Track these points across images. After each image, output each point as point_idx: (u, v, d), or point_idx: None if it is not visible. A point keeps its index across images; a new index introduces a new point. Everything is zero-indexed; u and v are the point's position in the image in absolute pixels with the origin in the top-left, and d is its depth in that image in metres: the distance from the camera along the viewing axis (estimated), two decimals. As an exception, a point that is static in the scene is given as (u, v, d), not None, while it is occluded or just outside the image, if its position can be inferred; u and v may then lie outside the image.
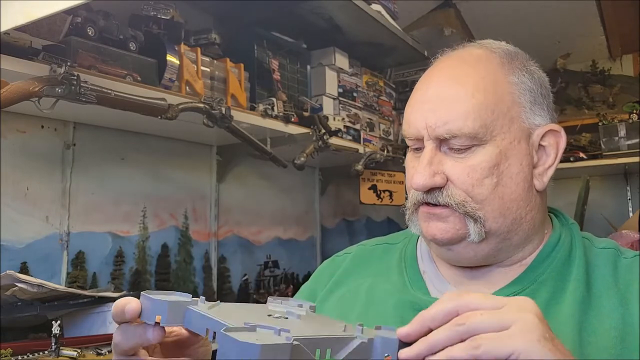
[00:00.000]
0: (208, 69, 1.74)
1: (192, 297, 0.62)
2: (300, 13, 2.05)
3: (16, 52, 1.23)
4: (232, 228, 2.21)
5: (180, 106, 1.51)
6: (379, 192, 2.62)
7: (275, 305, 0.67)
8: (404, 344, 0.58)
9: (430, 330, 0.57)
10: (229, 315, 0.57)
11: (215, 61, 1.78)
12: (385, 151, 2.51)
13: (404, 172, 2.82)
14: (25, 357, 1.29)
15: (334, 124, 2.21)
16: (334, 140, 2.14)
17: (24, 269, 1.51)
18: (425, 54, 2.59)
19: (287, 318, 0.61)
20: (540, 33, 2.88)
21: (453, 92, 0.77)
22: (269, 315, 0.61)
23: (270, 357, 0.48)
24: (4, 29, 1.12)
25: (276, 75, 2.03)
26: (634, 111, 2.85)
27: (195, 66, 1.68)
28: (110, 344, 1.40)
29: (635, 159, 2.70)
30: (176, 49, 1.61)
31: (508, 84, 0.79)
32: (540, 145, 0.80)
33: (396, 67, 2.85)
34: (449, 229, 0.76)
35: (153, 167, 1.91)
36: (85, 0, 1.10)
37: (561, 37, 3.04)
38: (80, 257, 1.66)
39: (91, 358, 1.33)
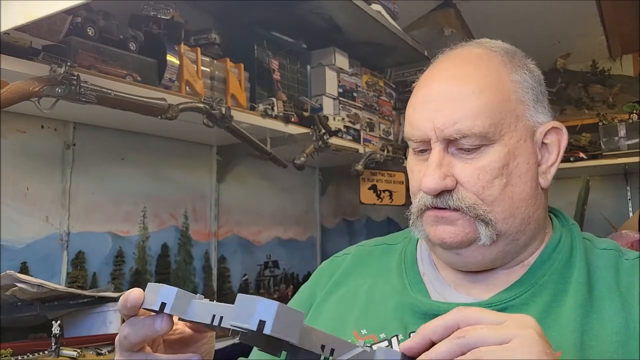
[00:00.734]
0: (208, 69, 1.74)
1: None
2: (300, 13, 2.05)
3: (16, 52, 1.23)
4: (232, 228, 2.21)
5: (180, 106, 1.51)
6: (379, 192, 2.61)
7: None
8: (407, 358, 0.59)
9: (433, 344, 0.57)
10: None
11: (215, 61, 1.78)
12: (385, 151, 2.51)
13: (404, 172, 2.81)
14: (25, 357, 1.29)
15: (334, 124, 2.21)
16: (334, 140, 2.14)
17: (24, 269, 1.51)
18: (425, 54, 2.58)
19: None
20: (540, 33, 2.88)
21: (458, 91, 0.76)
22: None
23: (285, 320, 0.49)
24: (4, 29, 1.12)
25: (276, 75, 2.03)
26: (634, 111, 2.85)
27: (195, 66, 1.68)
28: (110, 344, 1.41)
29: (635, 159, 2.70)
30: (176, 49, 1.61)
31: (511, 82, 0.79)
32: (543, 143, 0.80)
33: (396, 67, 2.85)
34: (459, 232, 0.75)
35: (153, 167, 1.91)
36: (85, 0, 1.10)
37: (561, 37, 3.03)
38: (80, 257, 1.66)
39: (91, 358, 1.33)
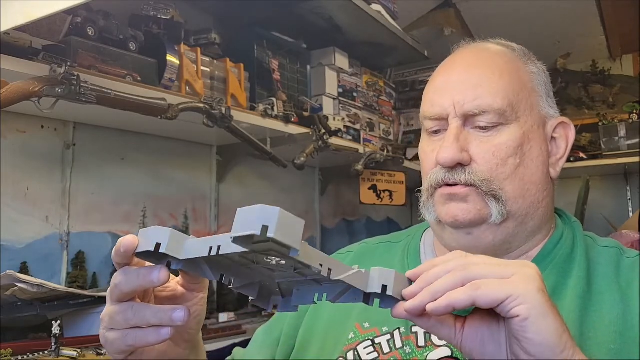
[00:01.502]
0: (208, 69, 1.74)
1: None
2: (300, 13, 2.05)
3: (16, 52, 1.23)
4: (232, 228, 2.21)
5: (180, 106, 1.51)
6: (379, 192, 2.61)
7: None
8: (402, 276, 0.60)
9: None
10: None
11: (215, 61, 1.78)
12: (385, 151, 2.51)
13: (404, 172, 2.81)
14: (25, 357, 1.29)
15: (334, 124, 2.21)
16: (334, 140, 2.14)
17: (24, 269, 1.51)
18: (425, 54, 2.59)
19: None
20: (540, 33, 2.88)
21: (480, 73, 0.79)
22: None
23: (286, 225, 0.49)
24: (4, 29, 1.12)
25: (276, 75, 2.03)
26: (634, 111, 2.85)
27: (195, 66, 1.68)
28: (110, 344, 1.40)
29: (635, 159, 2.70)
30: (176, 49, 1.61)
31: (528, 72, 0.83)
32: (552, 136, 0.83)
33: (396, 67, 2.86)
34: (471, 209, 0.77)
35: (153, 167, 1.91)
36: (85, 0, 1.10)
37: (561, 37, 3.04)
38: (80, 257, 1.66)
39: (91, 358, 1.33)
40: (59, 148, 1.65)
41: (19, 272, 1.34)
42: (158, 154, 1.93)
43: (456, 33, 2.67)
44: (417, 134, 2.88)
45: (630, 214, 2.99)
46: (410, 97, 2.91)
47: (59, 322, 1.30)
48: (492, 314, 0.57)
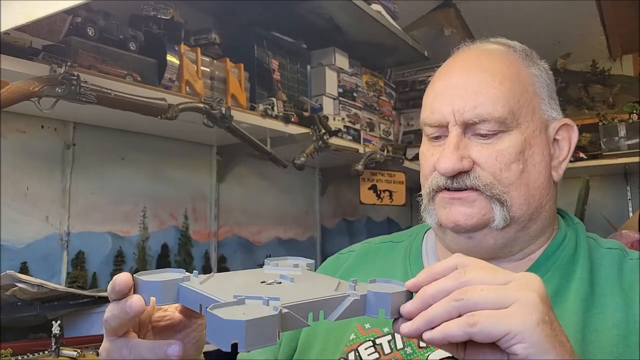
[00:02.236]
0: (208, 69, 1.74)
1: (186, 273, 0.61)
2: (300, 13, 2.05)
3: (16, 52, 1.23)
4: (232, 228, 2.21)
5: (180, 106, 1.51)
6: (379, 192, 2.61)
7: (270, 268, 0.67)
8: (402, 293, 0.59)
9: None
10: (221, 287, 0.57)
11: (215, 61, 1.78)
12: (385, 151, 2.51)
13: (404, 172, 2.81)
14: (25, 357, 1.29)
15: (334, 124, 2.21)
16: (334, 140, 2.14)
17: (24, 269, 1.51)
18: (425, 54, 2.59)
19: (280, 283, 0.61)
20: (540, 33, 2.88)
21: (479, 78, 0.78)
22: (262, 282, 0.61)
23: (258, 331, 0.48)
24: (4, 29, 1.12)
25: (276, 75, 2.03)
26: (634, 111, 2.85)
27: (195, 66, 1.68)
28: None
29: (635, 159, 2.70)
30: (176, 49, 1.61)
31: (530, 75, 0.81)
32: (555, 138, 0.82)
33: (396, 67, 2.85)
34: (475, 214, 0.76)
35: (153, 167, 1.91)
36: (85, 0, 1.10)
37: (561, 37, 3.03)
38: (80, 257, 1.66)
39: (91, 358, 1.33)
40: (59, 148, 1.65)
41: (19, 272, 1.34)
42: (158, 154, 1.93)
43: (456, 33, 2.67)
44: (417, 134, 2.88)
45: (630, 214, 2.99)
46: (410, 97, 2.91)
47: (59, 322, 1.30)
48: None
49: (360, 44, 2.38)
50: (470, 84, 0.78)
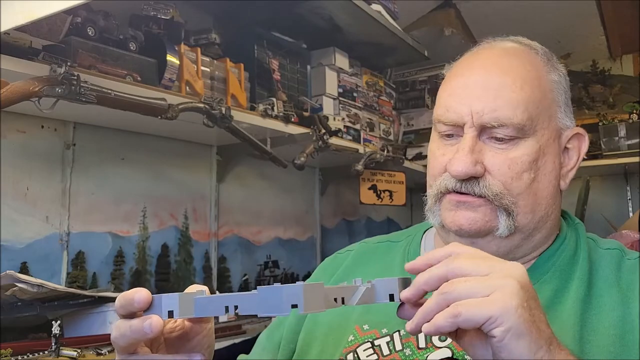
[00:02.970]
0: (208, 69, 1.74)
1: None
2: (300, 13, 2.05)
3: (16, 52, 1.23)
4: (232, 228, 2.21)
5: (180, 106, 1.51)
6: (379, 192, 2.61)
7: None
8: (405, 284, 0.63)
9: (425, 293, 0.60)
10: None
11: (215, 61, 1.78)
12: (385, 151, 2.51)
13: (404, 172, 2.79)
14: (25, 357, 1.29)
15: (334, 124, 2.21)
16: (334, 140, 2.13)
17: (24, 269, 1.50)
18: (425, 54, 2.58)
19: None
20: (540, 33, 2.84)
21: (500, 81, 0.76)
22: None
23: (311, 296, 0.55)
24: (4, 29, 1.12)
25: (276, 75, 2.03)
26: (634, 111, 2.85)
27: (195, 66, 1.68)
28: (110, 344, 1.40)
29: (635, 159, 2.70)
30: (176, 49, 1.61)
31: (550, 81, 0.80)
32: (565, 147, 0.81)
33: (396, 67, 2.85)
34: (478, 220, 0.75)
35: (153, 167, 1.91)
36: (85, 0, 1.10)
37: (561, 37, 3.03)
38: (80, 257, 1.66)
39: (91, 358, 1.33)
40: (59, 148, 1.65)
41: (19, 272, 1.34)
42: (158, 154, 1.93)
43: (456, 33, 2.67)
44: (417, 134, 2.88)
45: (630, 214, 2.99)
46: (410, 97, 2.91)
47: (59, 322, 1.30)
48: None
49: (360, 44, 2.38)
50: (490, 85, 0.76)
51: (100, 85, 1.31)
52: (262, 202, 2.37)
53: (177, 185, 2.00)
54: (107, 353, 1.35)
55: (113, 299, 1.47)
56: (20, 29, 1.23)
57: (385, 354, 0.79)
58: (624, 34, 2.90)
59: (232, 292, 2.17)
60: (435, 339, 0.77)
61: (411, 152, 2.84)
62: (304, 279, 2.28)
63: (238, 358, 0.97)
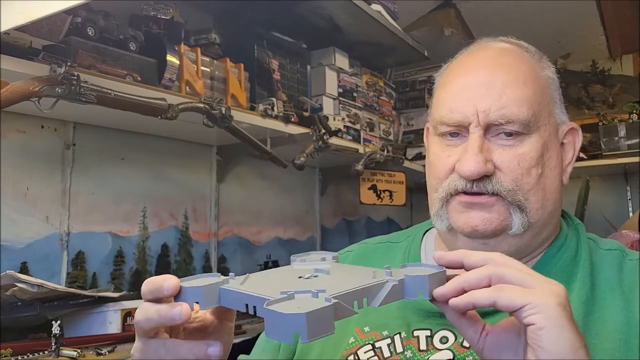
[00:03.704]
0: (208, 69, 1.74)
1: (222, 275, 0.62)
2: (300, 13, 2.05)
3: (16, 52, 1.23)
4: (232, 228, 2.21)
5: (180, 106, 1.51)
6: (379, 192, 2.61)
7: (299, 264, 0.68)
8: (432, 279, 0.60)
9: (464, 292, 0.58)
10: (262, 286, 0.59)
11: (215, 61, 1.78)
12: (385, 151, 2.51)
13: (404, 172, 2.79)
14: (25, 357, 1.29)
15: (334, 124, 2.21)
16: (334, 140, 2.13)
17: (24, 269, 1.50)
18: (425, 54, 2.58)
19: (317, 276, 0.62)
20: (540, 33, 2.88)
21: (504, 78, 0.76)
22: (300, 277, 0.61)
23: (316, 322, 0.50)
24: (4, 29, 1.12)
25: (276, 75, 2.03)
26: (634, 111, 2.85)
27: (195, 66, 1.68)
28: (110, 344, 1.41)
29: (635, 159, 2.70)
30: (176, 49, 1.61)
31: (545, 78, 0.81)
32: (562, 142, 0.82)
33: (396, 67, 2.85)
34: (494, 219, 0.75)
35: (153, 167, 1.91)
36: (85, 0, 1.10)
37: (561, 37, 3.03)
38: (80, 257, 1.66)
39: (91, 358, 1.33)
40: (59, 148, 1.65)
41: (19, 272, 1.34)
42: (158, 154, 1.93)
43: (456, 33, 2.67)
44: (417, 134, 2.88)
45: (630, 214, 2.99)
46: (410, 97, 2.91)
47: (59, 322, 1.30)
48: (513, 325, 0.57)
49: (360, 44, 2.38)
50: (494, 84, 0.76)
51: (100, 85, 1.31)
52: (262, 202, 2.37)
53: (177, 185, 2.00)
54: (107, 353, 1.35)
55: (113, 299, 1.47)
56: (20, 29, 1.23)
57: (386, 356, 0.78)
58: (624, 34, 2.90)
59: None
60: (436, 341, 0.77)
61: (411, 152, 2.84)
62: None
63: (238, 358, 0.97)
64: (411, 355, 0.77)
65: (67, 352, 1.30)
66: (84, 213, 1.69)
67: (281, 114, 1.92)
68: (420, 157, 2.79)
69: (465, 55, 0.84)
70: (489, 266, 0.58)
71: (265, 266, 2.33)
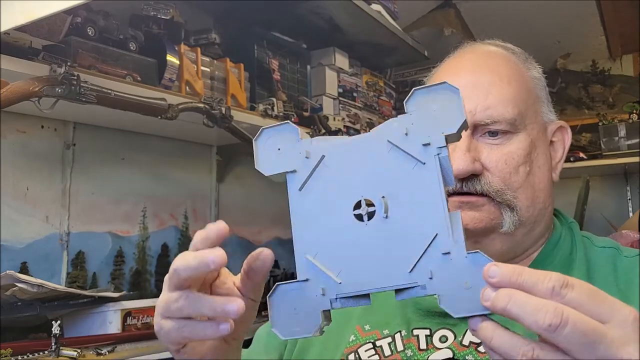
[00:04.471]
0: (208, 69, 1.74)
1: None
2: (300, 13, 2.05)
3: (16, 52, 1.23)
4: (232, 228, 2.20)
5: (180, 106, 1.51)
6: (379, 192, 2.61)
7: (399, 138, 0.60)
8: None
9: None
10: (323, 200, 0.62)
11: (215, 61, 1.78)
12: (385, 151, 2.51)
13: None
14: (25, 357, 1.29)
15: (334, 124, 2.21)
16: (334, 140, 2.13)
17: (24, 269, 1.51)
18: (425, 54, 2.58)
19: (373, 212, 0.56)
20: (540, 33, 2.88)
21: (488, 79, 0.78)
22: (354, 212, 0.57)
23: (298, 322, 0.56)
24: (4, 29, 1.12)
25: (276, 75, 2.03)
26: (634, 111, 2.85)
27: (195, 66, 1.68)
28: (110, 344, 1.41)
29: (635, 159, 2.70)
30: (176, 49, 1.61)
31: (531, 78, 0.83)
32: (551, 140, 0.83)
33: (396, 67, 2.85)
34: (483, 218, 0.76)
35: (153, 167, 1.91)
36: (85, 0, 1.10)
37: (561, 37, 3.03)
38: (80, 257, 1.66)
39: (91, 358, 1.33)
40: (59, 148, 1.65)
41: (19, 272, 1.34)
42: (158, 154, 1.93)
43: (456, 33, 2.67)
44: (417, 134, 2.87)
45: (630, 214, 2.99)
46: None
47: (59, 322, 1.30)
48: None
49: (360, 44, 2.38)
50: (479, 85, 0.78)
51: (100, 85, 1.31)
52: (262, 202, 2.37)
53: (177, 185, 2.00)
54: (107, 353, 1.35)
55: (113, 299, 1.47)
56: (20, 29, 1.23)
57: (386, 355, 0.79)
58: (624, 34, 2.90)
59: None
60: (436, 340, 0.77)
61: (411, 152, 2.84)
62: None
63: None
64: (412, 354, 0.77)
65: (67, 352, 1.30)
66: (84, 213, 1.69)
67: (281, 114, 1.92)
68: (420, 157, 2.79)
69: (452, 58, 0.86)
70: (557, 294, 0.49)
71: (265, 266, 2.33)
